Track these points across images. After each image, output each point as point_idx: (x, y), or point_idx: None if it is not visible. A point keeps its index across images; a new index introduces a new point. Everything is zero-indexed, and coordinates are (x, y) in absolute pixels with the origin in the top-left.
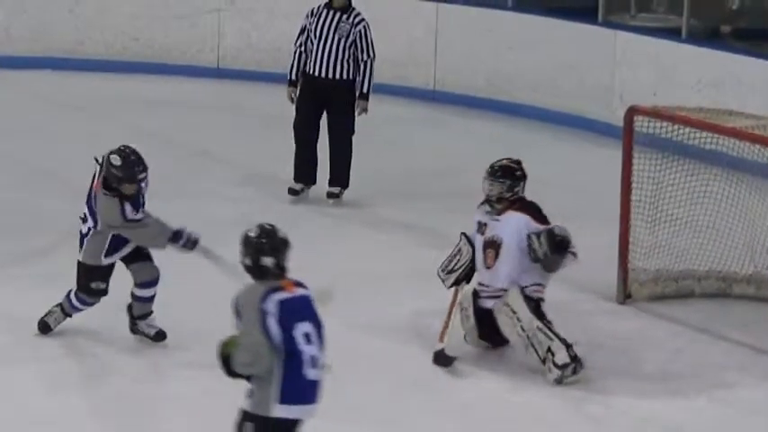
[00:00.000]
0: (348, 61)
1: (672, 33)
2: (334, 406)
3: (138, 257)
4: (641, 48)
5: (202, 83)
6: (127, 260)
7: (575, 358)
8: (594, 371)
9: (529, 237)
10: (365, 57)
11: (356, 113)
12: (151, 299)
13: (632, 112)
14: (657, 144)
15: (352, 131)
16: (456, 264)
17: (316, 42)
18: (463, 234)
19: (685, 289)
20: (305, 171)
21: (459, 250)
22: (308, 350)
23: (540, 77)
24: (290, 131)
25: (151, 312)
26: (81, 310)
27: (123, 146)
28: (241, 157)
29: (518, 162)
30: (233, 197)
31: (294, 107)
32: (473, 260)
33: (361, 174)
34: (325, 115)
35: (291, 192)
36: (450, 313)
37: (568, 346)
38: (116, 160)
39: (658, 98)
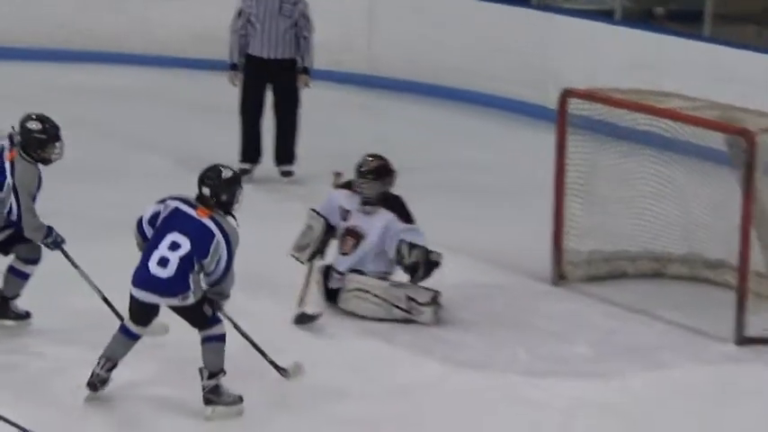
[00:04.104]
0: (292, 40)
1: (605, 15)
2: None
3: (21, 239)
4: (575, 30)
5: (131, 70)
6: (9, 244)
7: (436, 296)
8: (529, 353)
9: (400, 243)
10: (306, 33)
11: (299, 88)
12: (28, 277)
13: (566, 94)
14: (591, 126)
15: (299, 106)
16: (308, 240)
17: (259, 25)
18: (312, 210)
19: (619, 270)
20: (253, 151)
21: (310, 227)
22: (162, 251)
23: (475, 61)
24: (220, 117)
25: (19, 294)
26: None
27: (31, 113)
28: (174, 144)
29: (385, 158)
30: (167, 183)
31: (240, 90)
32: (327, 234)
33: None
34: (269, 95)
35: (242, 172)
36: (306, 283)
37: (424, 288)
38: (35, 125)
39: (592, 80)
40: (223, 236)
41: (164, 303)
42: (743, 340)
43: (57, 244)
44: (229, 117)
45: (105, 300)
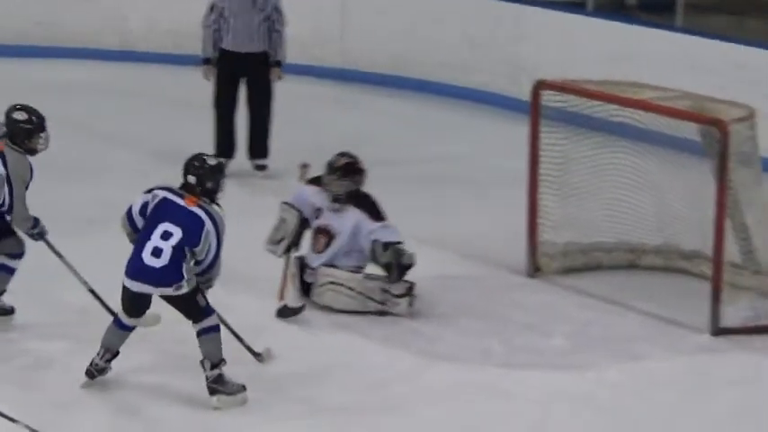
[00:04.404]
0: (265, 34)
1: (578, 7)
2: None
3: (6, 233)
4: (548, 22)
5: (106, 66)
6: None
7: (411, 287)
8: (505, 345)
9: (374, 243)
10: (278, 27)
11: (272, 80)
12: (14, 272)
13: (539, 86)
14: (564, 117)
15: (272, 100)
16: (282, 233)
17: (233, 19)
18: (284, 203)
19: (594, 261)
20: (227, 145)
21: (284, 220)
22: (155, 241)
23: (448, 54)
24: (198, 112)
25: (5, 290)
26: None
27: (15, 104)
28: (151, 139)
29: (355, 156)
30: (145, 179)
31: (214, 85)
32: (301, 226)
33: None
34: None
35: None
36: (284, 276)
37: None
38: (21, 115)
39: (565, 72)
40: (212, 223)
41: (157, 293)
42: (718, 331)
43: (41, 235)
44: (207, 112)
45: (92, 291)
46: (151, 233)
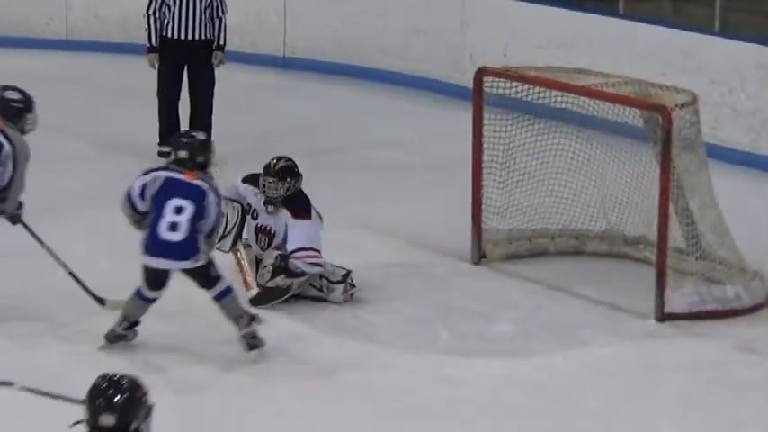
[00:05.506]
0: (207, 21)
1: None
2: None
3: None
4: (491, 8)
5: (51, 56)
6: None
7: (347, 274)
8: (451, 332)
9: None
10: (220, 13)
11: (214, 65)
12: None
13: (481, 72)
14: (508, 104)
15: (214, 87)
16: (226, 228)
17: (176, 7)
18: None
19: (539, 247)
20: (171, 133)
21: (224, 215)
22: (169, 218)
23: (391, 41)
24: (144, 101)
25: None
26: None
27: (5, 85)
28: (96, 128)
29: (292, 159)
30: (90, 168)
31: (157, 73)
32: (243, 215)
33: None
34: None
35: (163, 155)
36: (241, 268)
37: (337, 266)
38: (14, 94)
39: (509, 58)
40: (214, 194)
41: (177, 267)
42: (663, 316)
43: (20, 218)
44: (151, 100)
45: (72, 274)
46: (163, 210)
